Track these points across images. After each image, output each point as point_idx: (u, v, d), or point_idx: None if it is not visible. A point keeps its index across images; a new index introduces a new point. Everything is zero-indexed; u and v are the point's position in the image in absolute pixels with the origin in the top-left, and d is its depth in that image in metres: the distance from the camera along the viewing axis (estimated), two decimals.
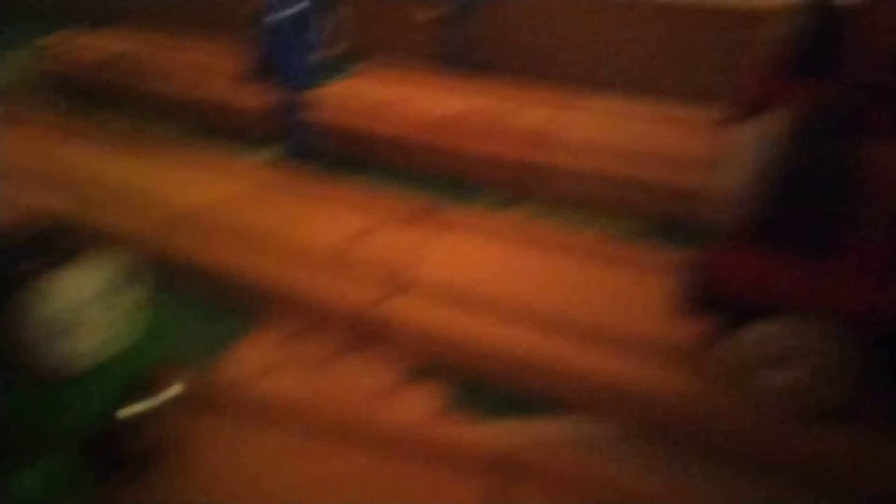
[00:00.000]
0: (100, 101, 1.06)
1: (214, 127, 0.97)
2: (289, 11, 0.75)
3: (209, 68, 1.02)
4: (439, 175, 0.83)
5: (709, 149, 0.73)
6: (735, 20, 0.87)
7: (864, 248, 0.41)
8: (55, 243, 0.44)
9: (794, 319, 0.44)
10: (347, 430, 0.50)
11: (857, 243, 0.41)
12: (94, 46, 1.16)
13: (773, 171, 0.41)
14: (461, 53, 0.96)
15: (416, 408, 0.55)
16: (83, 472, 0.43)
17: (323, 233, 0.69)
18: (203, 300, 0.67)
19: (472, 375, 0.57)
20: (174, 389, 0.46)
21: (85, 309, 0.41)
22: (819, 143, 0.41)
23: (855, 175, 0.40)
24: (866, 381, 0.44)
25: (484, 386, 0.57)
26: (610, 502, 0.45)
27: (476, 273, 0.62)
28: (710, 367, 0.49)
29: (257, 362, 0.59)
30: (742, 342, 0.46)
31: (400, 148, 0.85)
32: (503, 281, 0.61)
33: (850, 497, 0.45)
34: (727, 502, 0.46)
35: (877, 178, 0.39)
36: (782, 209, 0.42)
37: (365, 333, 0.60)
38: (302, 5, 0.76)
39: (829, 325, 0.43)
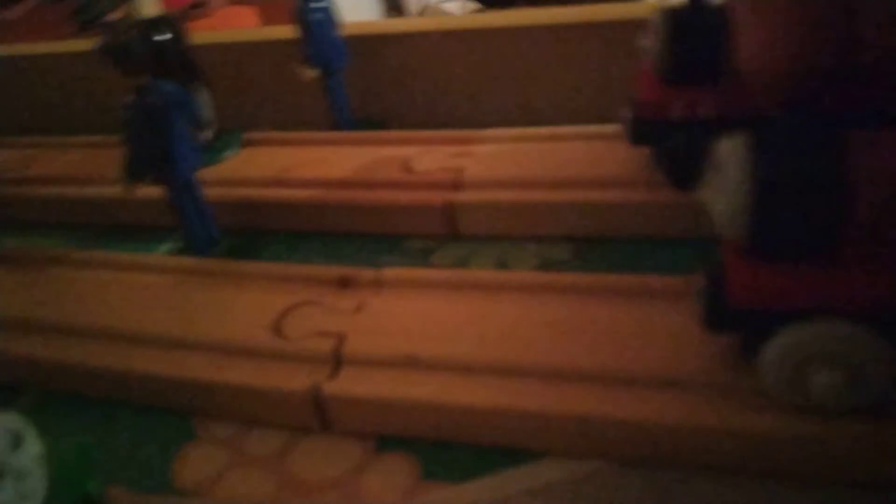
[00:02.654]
0: None
1: (107, 227, 0.91)
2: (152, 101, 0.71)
3: (92, 166, 0.96)
4: (353, 234, 0.81)
5: (620, 163, 0.74)
6: (621, 29, 0.87)
7: (864, 244, 0.42)
8: None
9: (820, 323, 0.45)
10: None
11: (858, 239, 0.42)
12: None
13: (761, 186, 0.42)
14: (348, 113, 0.95)
15: (388, 484, 0.53)
16: None
17: (247, 319, 0.65)
18: (131, 413, 0.63)
19: (439, 439, 0.56)
20: None
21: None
22: (799, 145, 0.42)
23: (843, 171, 0.41)
24: None
25: (453, 447, 0.55)
26: None
27: (425, 330, 0.60)
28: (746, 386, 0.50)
29: (208, 469, 0.57)
30: (773, 353, 0.47)
31: (305, 214, 0.82)
32: (455, 336, 0.59)
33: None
34: None
35: (858, 172, 0.40)
36: (779, 218, 0.43)
37: (312, 419, 0.58)
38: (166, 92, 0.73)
39: (856, 324, 0.44)
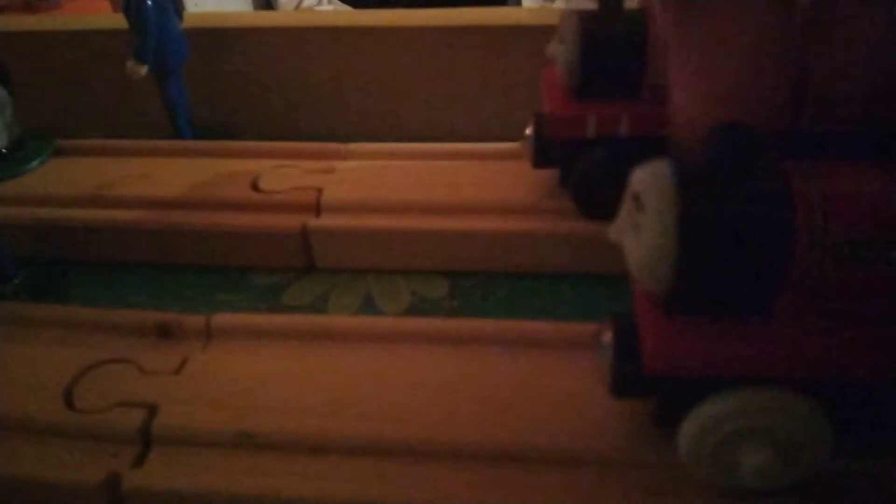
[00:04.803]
0: None
1: None
2: None
3: None
4: (184, 267, 0.66)
5: (516, 188, 0.65)
6: (520, 34, 0.78)
7: (804, 301, 0.35)
8: None
9: (747, 392, 0.37)
10: None
11: (799, 292, 0.35)
12: None
13: (689, 227, 0.34)
14: (187, 118, 0.82)
15: None
16: None
17: (34, 383, 0.50)
18: None
19: None
20: None
21: None
22: (729, 184, 0.34)
23: (783, 210, 0.33)
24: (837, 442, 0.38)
25: None
26: None
27: (264, 397, 0.48)
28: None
29: None
30: (694, 426, 0.38)
31: (125, 241, 0.66)
32: (302, 404, 0.47)
33: None
34: None
35: (807, 211, 0.33)
36: (710, 267, 0.35)
37: None
38: None
39: (789, 393, 0.37)
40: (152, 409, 0.48)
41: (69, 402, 0.49)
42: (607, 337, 0.40)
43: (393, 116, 0.85)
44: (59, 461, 0.46)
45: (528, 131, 0.61)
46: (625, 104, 0.55)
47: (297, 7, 2.05)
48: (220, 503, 0.43)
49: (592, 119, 0.56)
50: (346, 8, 2.06)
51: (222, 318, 0.54)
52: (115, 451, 0.46)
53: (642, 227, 0.34)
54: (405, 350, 0.51)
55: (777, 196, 0.33)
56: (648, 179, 0.34)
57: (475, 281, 0.63)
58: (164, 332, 0.54)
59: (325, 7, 2.05)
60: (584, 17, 0.55)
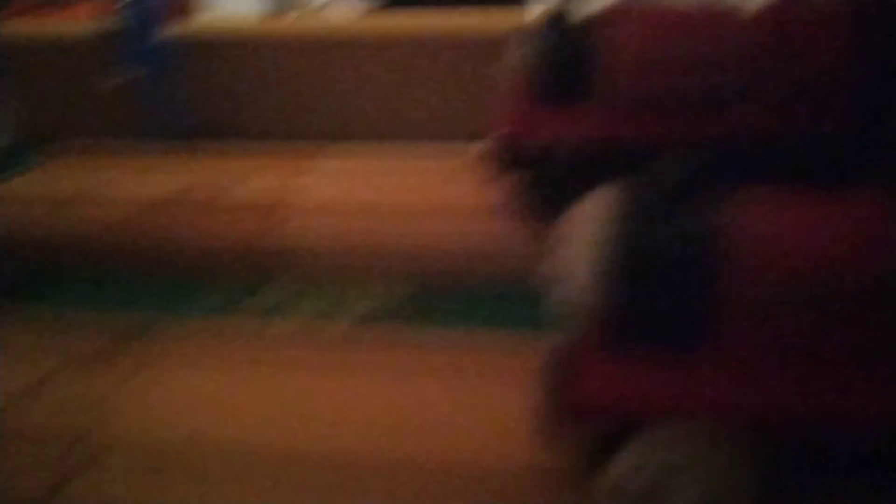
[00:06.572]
0: None
1: None
2: None
3: None
4: (153, 278, 0.67)
5: (467, 195, 0.67)
6: (477, 46, 0.79)
7: (737, 337, 0.34)
8: None
9: (676, 431, 0.36)
10: None
11: (727, 332, 0.34)
12: None
13: (619, 256, 0.34)
14: (165, 123, 0.83)
15: None
16: None
17: None
18: None
19: None
20: None
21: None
22: (663, 218, 0.34)
23: (714, 249, 0.33)
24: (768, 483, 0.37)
25: None
26: None
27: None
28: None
29: None
30: (621, 468, 0.38)
31: (95, 252, 0.69)
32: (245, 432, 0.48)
33: None
34: None
35: (737, 250, 0.33)
36: (638, 299, 0.35)
37: None
38: None
39: (716, 432, 0.36)
40: None
41: None
42: (543, 368, 0.40)
43: (375, 117, 0.87)
44: None
45: (489, 136, 0.62)
46: (580, 110, 0.57)
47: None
48: None
49: (551, 125, 0.57)
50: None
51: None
52: None
53: (580, 256, 0.35)
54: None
55: (711, 223, 0.33)
56: (580, 213, 0.35)
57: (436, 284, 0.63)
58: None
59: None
60: (545, 23, 0.57)
